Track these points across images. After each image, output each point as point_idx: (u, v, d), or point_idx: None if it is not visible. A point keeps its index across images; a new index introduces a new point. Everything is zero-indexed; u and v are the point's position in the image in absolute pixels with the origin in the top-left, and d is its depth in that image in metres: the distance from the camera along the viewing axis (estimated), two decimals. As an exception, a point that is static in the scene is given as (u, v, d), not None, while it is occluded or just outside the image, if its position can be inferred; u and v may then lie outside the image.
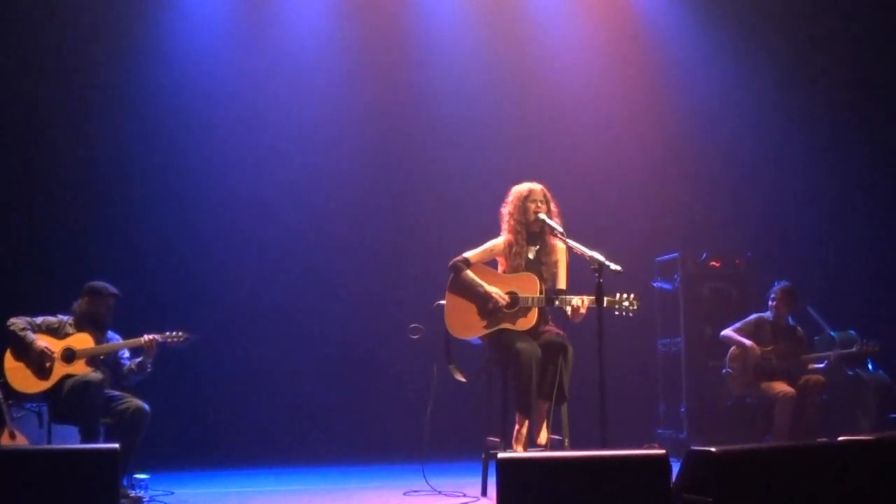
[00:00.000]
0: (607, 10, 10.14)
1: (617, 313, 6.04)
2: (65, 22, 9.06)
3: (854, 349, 7.88)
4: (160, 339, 6.58)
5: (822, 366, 7.92)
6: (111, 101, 9.22)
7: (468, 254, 6.41)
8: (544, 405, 6.15)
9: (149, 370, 6.67)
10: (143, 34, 9.34)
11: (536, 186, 6.44)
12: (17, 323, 6.53)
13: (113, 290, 6.71)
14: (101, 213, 9.18)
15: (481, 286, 6.29)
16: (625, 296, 6.05)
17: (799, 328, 8.05)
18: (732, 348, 8.00)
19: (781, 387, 7.68)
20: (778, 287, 8.00)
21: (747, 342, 7.91)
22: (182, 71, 9.42)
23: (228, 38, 9.63)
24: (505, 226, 6.47)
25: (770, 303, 8.00)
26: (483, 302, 6.29)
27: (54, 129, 9.07)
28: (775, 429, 7.61)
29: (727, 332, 8.06)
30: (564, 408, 6.19)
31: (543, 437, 6.16)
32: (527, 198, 6.40)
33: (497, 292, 6.25)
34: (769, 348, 7.88)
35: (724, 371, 8.07)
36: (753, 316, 8.07)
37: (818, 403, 7.69)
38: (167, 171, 9.33)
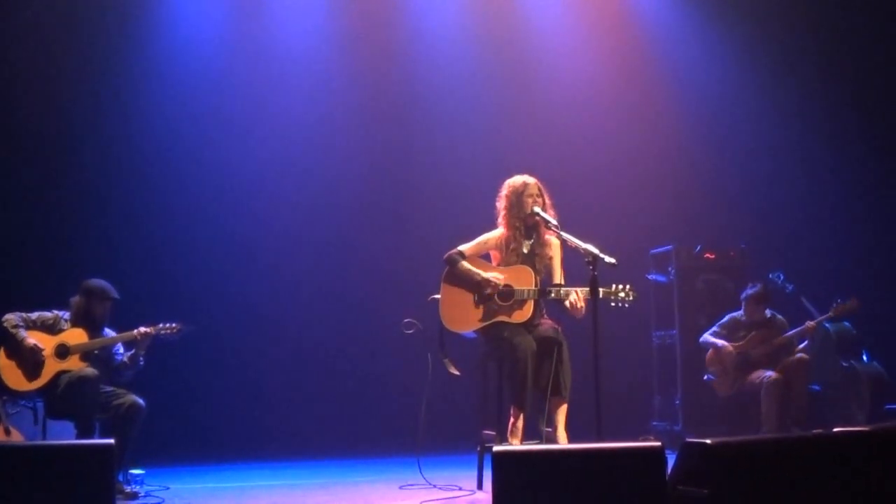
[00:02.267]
0: (603, 6, 10.14)
1: (613, 304, 6.03)
2: (62, 22, 9.04)
3: (830, 313, 7.82)
4: (152, 332, 6.57)
5: (805, 344, 7.91)
6: (108, 99, 9.21)
7: (463, 247, 6.42)
8: (553, 402, 6.13)
9: (141, 363, 6.66)
10: (141, 33, 9.34)
11: (531, 180, 6.44)
12: (11, 319, 6.51)
13: (112, 293, 6.66)
14: (96, 207, 9.16)
15: (478, 273, 6.30)
16: (621, 286, 6.04)
17: (778, 315, 8.05)
18: (709, 352, 8.04)
19: (764, 374, 7.72)
20: (745, 295, 8.05)
21: (719, 342, 7.96)
22: (176, 68, 9.41)
23: (225, 36, 9.62)
24: (501, 220, 6.47)
25: (742, 309, 8.09)
26: (480, 289, 6.28)
27: (50, 126, 9.05)
28: (764, 416, 7.62)
29: (703, 336, 8.12)
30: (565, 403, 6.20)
31: (563, 435, 6.13)
32: (523, 192, 6.40)
33: (494, 276, 6.25)
34: (742, 342, 7.88)
35: (706, 378, 8.09)
36: (728, 316, 8.16)
37: (805, 383, 7.69)
38: (162, 164, 9.32)
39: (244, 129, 9.57)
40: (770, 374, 7.69)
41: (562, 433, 6.13)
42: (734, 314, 8.12)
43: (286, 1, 9.82)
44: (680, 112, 10.00)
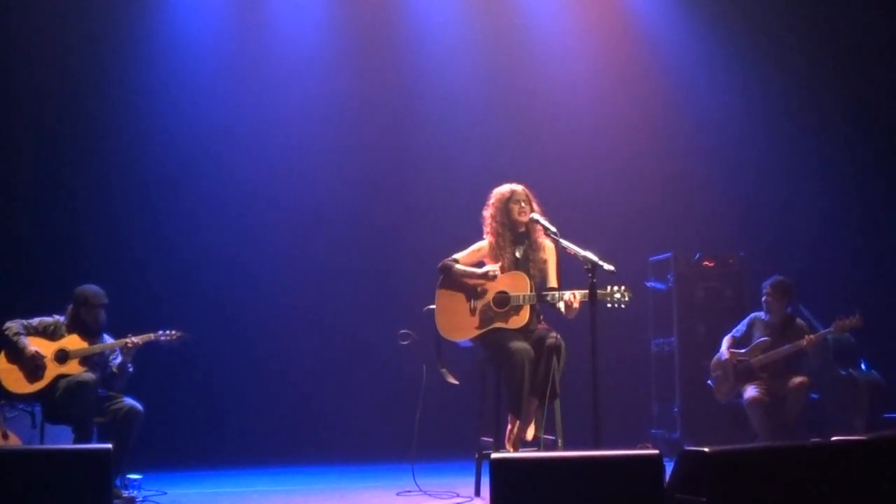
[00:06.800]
0: (600, 11, 10.15)
1: (609, 306, 6.01)
2: (63, 21, 9.04)
3: (831, 328, 7.65)
4: (140, 343, 6.57)
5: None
6: (107, 99, 9.22)
7: (457, 255, 6.43)
8: (534, 403, 6.14)
9: (130, 370, 6.67)
10: (139, 38, 9.34)
11: (518, 187, 6.45)
12: (12, 327, 6.54)
13: (100, 300, 6.68)
14: (97, 210, 9.17)
15: (474, 271, 6.30)
16: (616, 288, 6.01)
17: (799, 319, 7.85)
18: (714, 357, 7.96)
19: (749, 391, 7.57)
20: (767, 283, 7.82)
21: (722, 349, 7.86)
22: (173, 73, 9.42)
23: (222, 41, 9.63)
24: (487, 228, 6.46)
25: (763, 300, 7.86)
26: (482, 282, 6.28)
27: (49, 128, 9.07)
28: (755, 431, 7.55)
29: (724, 337, 8.00)
30: (558, 407, 6.17)
31: (530, 433, 6.14)
32: (509, 199, 6.41)
33: (491, 267, 6.25)
34: (747, 350, 7.80)
35: (708, 382, 8.03)
36: (749, 316, 7.97)
37: (800, 406, 7.52)
38: (164, 168, 9.33)
39: (242, 135, 9.58)
40: (752, 395, 7.55)
41: (531, 429, 6.14)
42: (756, 314, 7.91)
43: (284, 3, 9.85)
44: (679, 119, 9.99)
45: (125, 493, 6.42)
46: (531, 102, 10.01)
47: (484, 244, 6.46)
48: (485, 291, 6.32)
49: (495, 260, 6.38)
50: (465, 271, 6.34)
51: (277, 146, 9.67)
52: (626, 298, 6.04)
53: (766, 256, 9.18)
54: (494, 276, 6.26)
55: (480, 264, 6.44)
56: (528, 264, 6.37)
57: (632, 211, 9.78)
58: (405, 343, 6.50)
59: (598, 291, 5.79)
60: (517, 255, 6.40)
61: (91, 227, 9.10)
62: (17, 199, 8.97)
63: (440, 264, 6.40)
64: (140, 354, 6.71)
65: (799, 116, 9.81)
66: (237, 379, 9.27)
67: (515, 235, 6.42)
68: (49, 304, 6.85)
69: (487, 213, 6.49)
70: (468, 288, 6.34)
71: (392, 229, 9.76)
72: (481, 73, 10.01)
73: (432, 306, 6.39)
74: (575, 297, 6.07)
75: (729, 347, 7.85)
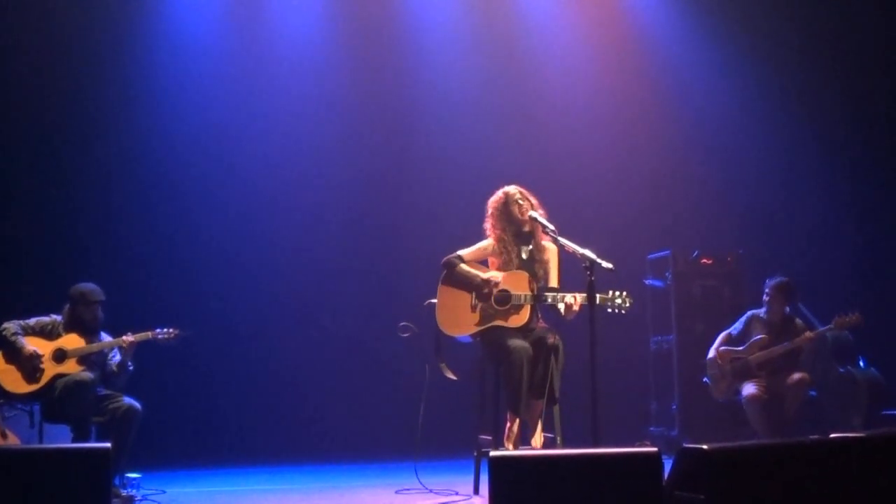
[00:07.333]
0: (599, 11, 10.17)
1: (610, 311, 6.04)
2: (63, 21, 9.05)
3: (830, 325, 7.65)
4: (136, 341, 6.59)
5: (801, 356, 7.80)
6: (107, 99, 9.22)
7: (462, 251, 6.44)
8: (538, 405, 6.15)
9: (130, 368, 6.67)
10: (140, 32, 9.35)
11: (510, 188, 6.46)
12: (9, 328, 6.53)
13: (97, 296, 6.68)
14: (96, 210, 9.17)
15: (477, 275, 6.30)
16: (617, 293, 6.05)
17: (798, 319, 7.85)
18: (709, 356, 7.95)
19: (748, 388, 7.56)
20: (770, 283, 7.80)
21: (711, 352, 7.85)
22: (172, 73, 9.43)
23: (221, 42, 9.64)
24: (490, 235, 6.47)
25: (764, 298, 7.85)
26: (479, 290, 6.29)
27: (47, 127, 9.07)
28: (754, 428, 7.54)
29: (719, 335, 7.99)
30: (557, 413, 6.18)
31: (538, 439, 6.15)
32: (506, 202, 6.42)
33: (493, 275, 6.26)
34: (743, 348, 7.79)
35: (704, 380, 8.02)
36: (746, 314, 7.95)
37: (799, 402, 7.51)
38: (164, 167, 9.34)
39: (241, 134, 9.59)
40: (751, 392, 7.54)
41: (538, 434, 6.16)
42: (754, 312, 7.89)
43: (284, 4, 9.85)
44: (677, 117, 10.01)
45: (124, 492, 6.42)
46: (531, 102, 10.03)
47: (489, 244, 6.46)
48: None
49: (500, 260, 6.40)
50: (467, 273, 6.35)
51: (277, 146, 9.67)
52: (627, 304, 6.06)
53: (764, 255, 9.19)
54: (496, 284, 6.26)
55: (485, 263, 6.47)
56: (534, 265, 6.38)
57: (630, 209, 9.79)
58: (405, 335, 6.51)
59: (599, 296, 5.81)
60: (524, 256, 6.41)
61: (90, 226, 9.09)
62: (16, 199, 8.97)
63: (444, 259, 6.42)
64: (139, 353, 6.71)
65: (798, 116, 9.81)
66: (236, 378, 9.28)
67: (521, 236, 6.42)
68: (48, 304, 6.84)
69: (488, 224, 6.49)
70: (472, 283, 6.35)
71: (392, 229, 9.76)
72: (481, 73, 10.02)
73: (433, 300, 6.40)
74: (576, 299, 6.09)
75: (722, 345, 7.84)
